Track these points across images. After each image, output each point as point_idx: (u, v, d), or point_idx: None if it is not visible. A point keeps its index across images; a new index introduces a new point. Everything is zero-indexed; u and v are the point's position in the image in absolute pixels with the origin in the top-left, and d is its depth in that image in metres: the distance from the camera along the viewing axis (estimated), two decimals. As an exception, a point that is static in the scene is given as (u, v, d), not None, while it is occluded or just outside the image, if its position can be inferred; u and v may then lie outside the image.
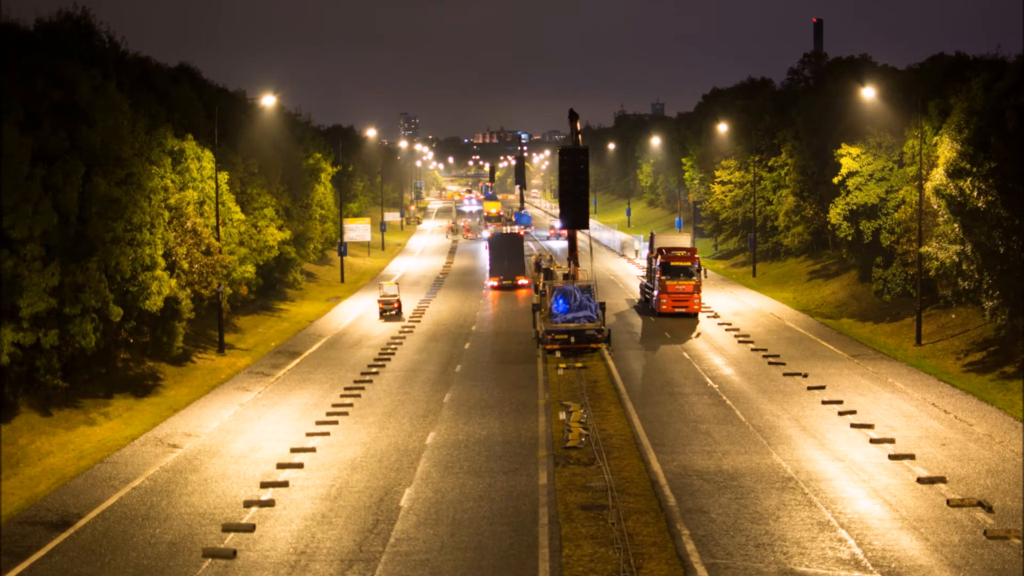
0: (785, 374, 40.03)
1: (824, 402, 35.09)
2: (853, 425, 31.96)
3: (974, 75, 44.20)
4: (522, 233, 53.90)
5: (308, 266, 74.50)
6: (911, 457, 28.29)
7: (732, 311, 57.44)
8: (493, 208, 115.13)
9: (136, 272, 35.46)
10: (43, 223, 30.71)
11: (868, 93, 52.93)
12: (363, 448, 30.31)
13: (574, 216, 51.16)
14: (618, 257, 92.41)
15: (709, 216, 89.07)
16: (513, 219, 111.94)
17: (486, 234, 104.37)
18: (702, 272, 57.66)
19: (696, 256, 55.67)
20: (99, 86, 34.97)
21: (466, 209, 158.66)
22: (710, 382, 39.01)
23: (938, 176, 42.21)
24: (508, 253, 69.88)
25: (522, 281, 68.76)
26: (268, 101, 55.60)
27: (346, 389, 38.50)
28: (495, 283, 69.08)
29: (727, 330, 51.00)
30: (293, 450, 29.98)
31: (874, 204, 53.45)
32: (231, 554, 21.84)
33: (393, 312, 56.81)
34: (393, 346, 47.86)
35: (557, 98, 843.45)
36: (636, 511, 24.17)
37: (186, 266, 41.05)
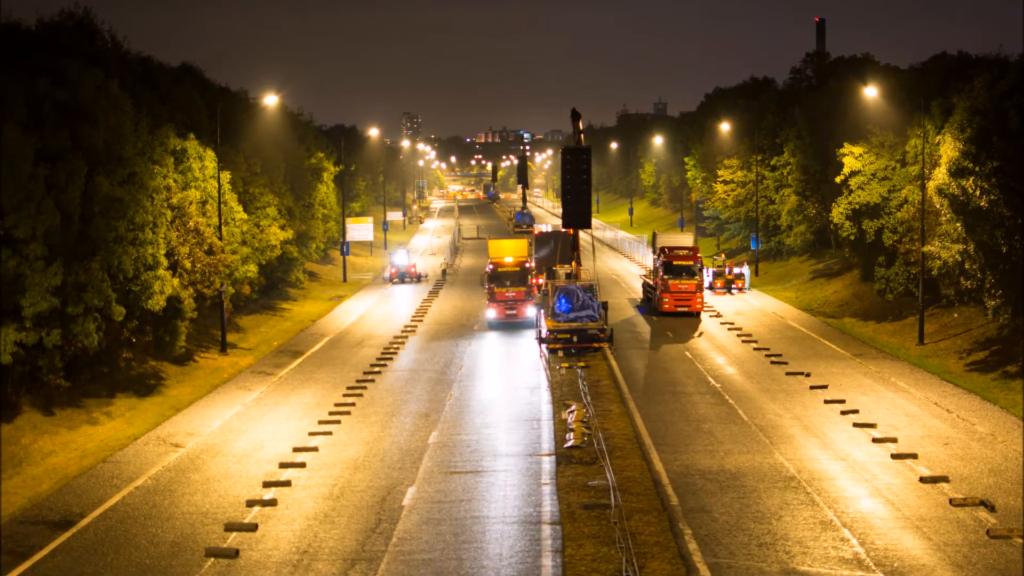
0: (787, 373, 40.01)
1: (826, 401, 35.07)
2: (855, 424, 31.94)
3: (976, 74, 44.10)
4: (570, 232, 54.25)
5: (310, 265, 74.53)
6: (913, 456, 28.28)
7: (734, 310, 57.41)
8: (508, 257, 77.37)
9: (138, 271, 35.47)
10: (46, 223, 30.73)
11: (870, 92, 52.88)
12: (365, 447, 30.32)
13: (576, 215, 51.11)
14: (621, 256, 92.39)
15: (712, 215, 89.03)
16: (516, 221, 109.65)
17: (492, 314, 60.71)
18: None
19: (699, 255, 55.67)
20: (101, 85, 34.96)
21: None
22: (712, 381, 38.99)
23: (940, 175, 42.18)
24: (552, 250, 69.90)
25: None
26: (270, 101, 55.61)
27: (348, 388, 38.50)
28: (540, 280, 69.30)
29: (729, 329, 50.98)
30: (296, 449, 29.99)
31: (876, 203, 53.37)
32: (233, 553, 21.87)
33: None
34: (395, 345, 47.86)
35: (559, 98, 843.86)
36: (638, 510, 24.17)
37: (188, 265, 41.06)
